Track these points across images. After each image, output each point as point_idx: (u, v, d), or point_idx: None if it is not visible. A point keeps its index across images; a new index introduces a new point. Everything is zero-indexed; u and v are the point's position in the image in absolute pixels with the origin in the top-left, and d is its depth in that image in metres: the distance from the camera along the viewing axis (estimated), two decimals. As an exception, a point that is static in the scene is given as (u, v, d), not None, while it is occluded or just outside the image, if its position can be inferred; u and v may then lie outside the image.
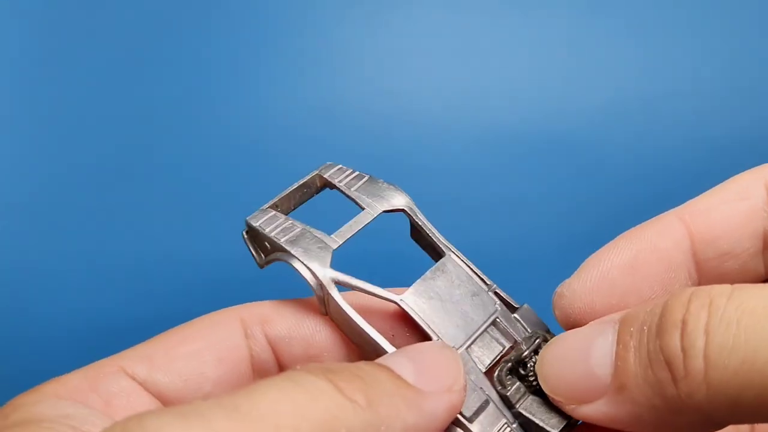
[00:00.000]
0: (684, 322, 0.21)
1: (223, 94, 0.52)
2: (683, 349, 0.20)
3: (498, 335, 0.28)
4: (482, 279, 0.29)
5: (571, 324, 0.27)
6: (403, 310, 0.27)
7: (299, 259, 0.27)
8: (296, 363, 0.28)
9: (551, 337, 0.29)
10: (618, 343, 0.22)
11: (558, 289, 0.27)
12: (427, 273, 0.28)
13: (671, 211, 0.27)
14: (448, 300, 0.27)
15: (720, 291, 0.21)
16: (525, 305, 0.29)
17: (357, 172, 0.31)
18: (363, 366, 0.23)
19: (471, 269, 0.29)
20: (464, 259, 0.30)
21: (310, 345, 0.28)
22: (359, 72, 0.54)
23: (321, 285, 0.27)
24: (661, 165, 0.54)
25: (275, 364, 0.28)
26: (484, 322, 0.28)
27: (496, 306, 0.28)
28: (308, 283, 0.27)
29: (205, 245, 0.47)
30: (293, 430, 0.20)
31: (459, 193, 0.52)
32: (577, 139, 0.54)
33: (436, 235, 0.30)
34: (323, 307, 0.27)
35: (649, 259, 0.26)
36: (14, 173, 0.49)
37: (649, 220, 0.27)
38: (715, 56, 0.57)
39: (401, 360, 0.24)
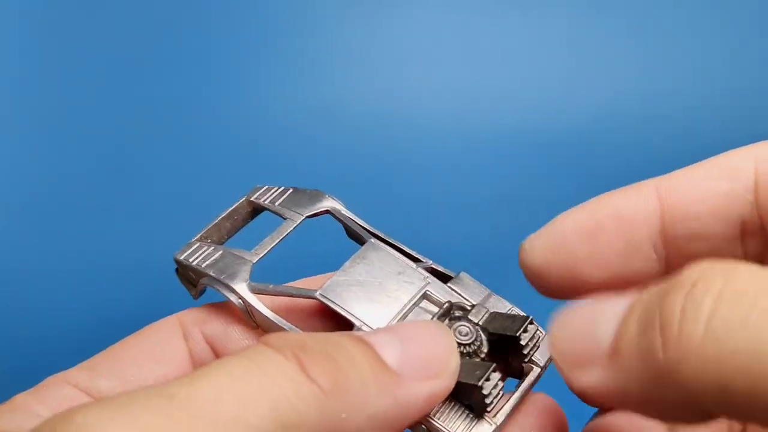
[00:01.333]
0: (693, 284, 0.19)
1: (223, 94, 0.53)
2: (683, 310, 0.18)
3: (431, 307, 0.28)
4: (413, 257, 0.29)
5: (533, 279, 0.26)
6: (324, 304, 0.27)
7: (218, 280, 0.28)
8: None
9: (491, 301, 0.28)
10: (629, 310, 0.21)
11: (523, 242, 0.27)
12: (346, 263, 0.28)
13: (653, 179, 0.26)
14: (369, 284, 0.27)
15: (747, 267, 0.19)
16: (462, 273, 0.29)
17: (282, 188, 0.32)
18: (343, 342, 0.22)
19: (398, 250, 0.29)
20: (392, 241, 0.30)
21: (247, 339, 0.28)
22: (359, 72, 0.55)
23: (242, 299, 0.28)
24: (662, 164, 0.53)
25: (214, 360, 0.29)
26: (413, 297, 0.27)
27: (426, 280, 0.28)
28: (230, 300, 0.28)
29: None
30: (233, 423, 0.19)
31: (459, 193, 0.52)
32: (577, 138, 0.54)
33: (362, 226, 0.30)
34: (251, 320, 0.28)
35: (610, 228, 0.25)
36: (14, 173, 0.51)
37: (628, 186, 0.26)
38: (715, 56, 0.56)
39: (388, 339, 0.23)
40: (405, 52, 0.56)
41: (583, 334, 0.22)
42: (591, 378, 0.21)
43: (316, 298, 0.27)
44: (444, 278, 0.28)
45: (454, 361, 0.24)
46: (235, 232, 0.32)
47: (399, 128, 0.54)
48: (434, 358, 0.23)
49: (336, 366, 0.21)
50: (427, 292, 0.28)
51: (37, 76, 0.53)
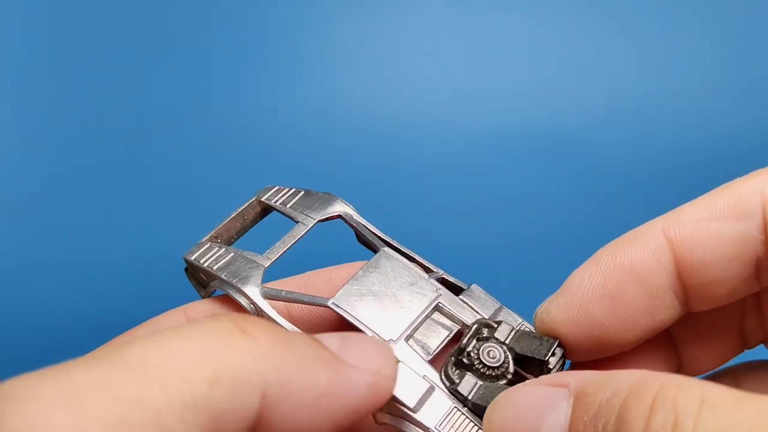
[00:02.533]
0: (654, 398, 0.18)
1: (223, 94, 0.53)
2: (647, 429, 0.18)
3: (443, 320, 0.28)
4: (425, 267, 0.29)
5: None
6: (336, 313, 0.27)
7: (229, 283, 0.28)
8: None
9: (501, 315, 0.28)
10: (570, 429, 0.20)
11: (538, 312, 0.26)
12: (359, 272, 0.28)
13: (656, 223, 0.25)
14: (382, 294, 0.27)
15: (687, 401, 0.18)
16: (473, 285, 0.29)
17: (294, 189, 0.31)
18: (290, 331, 0.22)
19: (410, 259, 0.29)
20: (405, 250, 0.30)
21: None
22: (363, 71, 0.55)
23: (254, 304, 0.27)
24: (662, 164, 0.53)
25: None
26: (425, 309, 0.27)
27: (438, 291, 0.28)
28: (242, 305, 0.28)
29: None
30: (167, 372, 0.19)
31: (459, 192, 0.52)
32: (578, 137, 0.54)
33: (374, 233, 0.30)
34: (261, 324, 0.28)
35: (630, 287, 0.24)
36: (15, 170, 0.50)
37: (631, 233, 0.25)
38: (715, 56, 0.56)
39: (330, 337, 0.23)
40: (405, 51, 0.55)
41: (527, 428, 0.21)
42: None
43: (328, 307, 0.27)
44: (455, 289, 0.29)
45: (391, 367, 0.24)
46: (245, 232, 0.31)
47: (399, 127, 0.53)
48: (372, 353, 0.23)
49: (278, 331, 0.21)
50: (439, 304, 0.28)
51: (37, 76, 0.53)
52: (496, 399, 0.23)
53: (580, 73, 0.56)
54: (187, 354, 0.19)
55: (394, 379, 0.24)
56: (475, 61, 0.56)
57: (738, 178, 0.25)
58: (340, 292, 0.27)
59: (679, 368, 0.28)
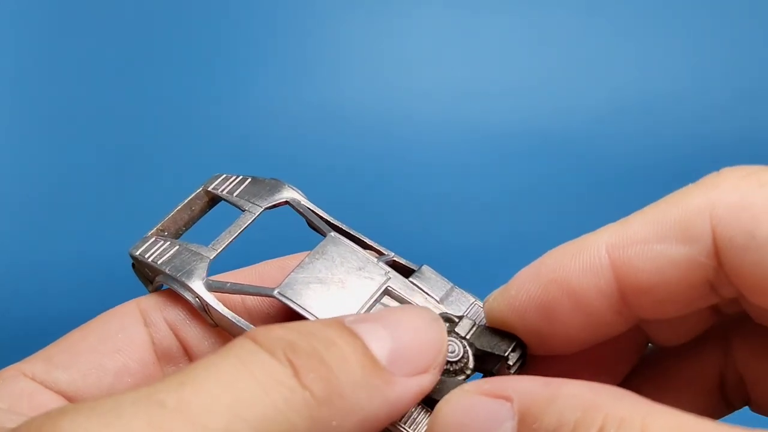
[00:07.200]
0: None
1: (223, 94, 0.53)
2: None
3: (393, 304, 0.27)
4: (376, 250, 0.29)
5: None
6: (281, 302, 0.27)
7: (173, 277, 0.27)
8: (199, 342, 0.28)
9: (453, 295, 0.28)
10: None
11: (485, 302, 0.26)
12: (305, 259, 0.27)
13: (601, 237, 0.23)
14: (329, 281, 0.27)
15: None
16: (424, 266, 0.29)
17: (241, 177, 0.31)
18: (332, 337, 0.21)
19: (361, 243, 0.29)
20: (355, 234, 0.29)
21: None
22: (360, 71, 0.55)
23: (198, 297, 0.27)
24: (662, 163, 0.53)
25: (179, 347, 0.28)
26: (374, 293, 0.27)
27: (387, 275, 0.27)
28: (187, 299, 0.27)
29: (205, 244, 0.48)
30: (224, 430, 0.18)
31: (459, 192, 0.52)
32: (578, 137, 0.54)
33: (323, 218, 0.30)
34: (208, 317, 0.28)
35: (566, 305, 0.23)
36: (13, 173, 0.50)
37: (577, 243, 0.24)
38: (715, 55, 0.55)
39: (378, 330, 0.22)
40: (404, 51, 0.55)
41: None
42: None
43: (274, 297, 0.26)
44: (406, 272, 0.28)
45: (443, 354, 0.23)
46: (193, 224, 0.31)
47: (399, 127, 0.53)
48: (424, 351, 0.23)
49: (328, 370, 0.20)
50: (389, 288, 0.27)
51: (37, 76, 0.52)
52: (440, 404, 0.22)
53: (582, 71, 0.55)
54: (244, 409, 0.19)
55: (443, 366, 0.23)
56: (474, 60, 0.56)
57: (689, 186, 0.23)
58: (285, 280, 0.26)
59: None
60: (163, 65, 0.52)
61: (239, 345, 0.20)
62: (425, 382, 0.22)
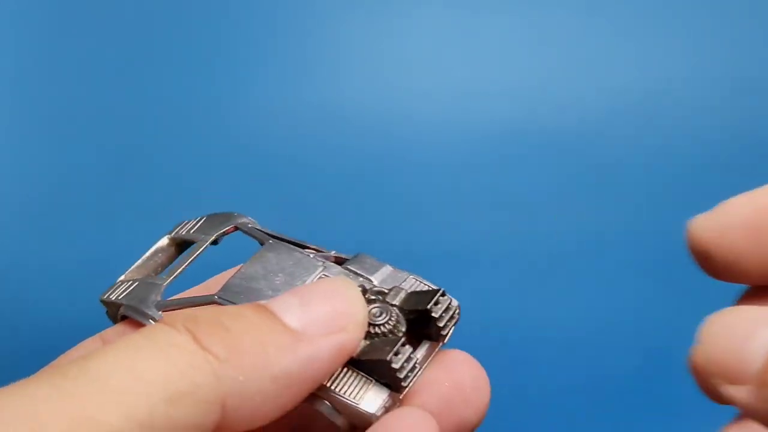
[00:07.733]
0: None
1: (223, 94, 0.54)
2: None
3: None
4: (316, 249, 0.30)
5: (698, 261, 0.24)
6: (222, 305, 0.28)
7: (130, 306, 0.29)
8: None
9: (389, 274, 0.28)
10: None
11: (690, 221, 0.24)
12: (243, 265, 0.28)
13: None
14: (267, 279, 0.28)
15: None
16: (360, 253, 0.29)
17: (199, 218, 0.33)
18: (240, 310, 0.22)
19: (301, 247, 0.29)
20: (296, 241, 0.30)
21: None
22: (360, 71, 0.55)
23: (151, 318, 0.29)
24: (662, 162, 0.52)
25: None
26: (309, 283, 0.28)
27: (323, 265, 0.28)
28: (143, 322, 0.29)
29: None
30: (124, 391, 0.19)
31: (460, 191, 0.52)
32: (578, 137, 0.53)
33: (272, 234, 0.31)
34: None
35: None
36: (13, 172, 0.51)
37: None
38: (716, 55, 0.56)
39: (288, 300, 0.23)
40: (404, 50, 0.56)
41: (733, 349, 0.21)
42: (741, 395, 0.20)
43: (216, 302, 0.28)
44: (340, 262, 0.29)
45: (360, 313, 0.24)
46: (163, 270, 0.33)
47: (399, 127, 0.53)
48: (338, 313, 0.23)
49: (230, 333, 0.21)
50: (324, 276, 0.28)
51: (36, 76, 0.53)
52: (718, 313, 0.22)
53: (581, 70, 0.55)
54: (144, 371, 0.20)
55: (363, 326, 0.24)
56: (473, 59, 0.56)
57: None
58: (224, 285, 0.28)
59: None
60: (163, 65, 0.54)
61: (145, 328, 0.22)
62: (341, 339, 0.23)
